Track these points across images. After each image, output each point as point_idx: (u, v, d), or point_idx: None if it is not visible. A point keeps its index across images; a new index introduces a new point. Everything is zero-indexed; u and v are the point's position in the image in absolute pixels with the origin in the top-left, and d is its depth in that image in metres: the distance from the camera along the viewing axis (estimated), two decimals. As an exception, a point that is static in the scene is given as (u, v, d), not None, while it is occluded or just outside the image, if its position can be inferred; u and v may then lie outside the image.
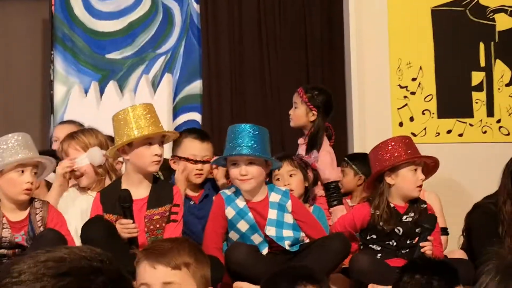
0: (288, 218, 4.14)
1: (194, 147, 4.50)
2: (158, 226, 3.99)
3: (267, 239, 4.12)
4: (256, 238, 4.12)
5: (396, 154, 4.30)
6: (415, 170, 4.30)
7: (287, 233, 4.12)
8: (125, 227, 3.88)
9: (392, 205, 4.31)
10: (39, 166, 3.96)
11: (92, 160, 4.24)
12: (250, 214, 4.11)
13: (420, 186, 4.32)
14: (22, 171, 3.83)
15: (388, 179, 4.31)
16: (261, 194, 4.15)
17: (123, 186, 4.00)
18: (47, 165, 4.01)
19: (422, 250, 4.18)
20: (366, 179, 4.95)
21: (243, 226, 4.12)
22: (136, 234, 3.88)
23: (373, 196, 4.36)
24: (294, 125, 5.03)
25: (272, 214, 4.13)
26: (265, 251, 4.13)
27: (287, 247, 4.11)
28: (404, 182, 4.30)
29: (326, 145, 4.89)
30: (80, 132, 4.35)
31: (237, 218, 4.11)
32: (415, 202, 4.35)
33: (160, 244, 2.40)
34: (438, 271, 2.60)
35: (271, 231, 4.11)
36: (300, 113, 4.92)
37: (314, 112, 4.91)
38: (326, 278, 2.55)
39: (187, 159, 4.48)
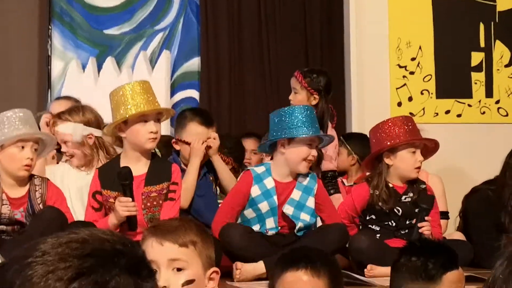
0: (310, 203, 4.13)
1: (199, 133, 4.48)
2: (155, 203, 4.00)
3: (279, 227, 4.12)
4: (270, 223, 4.12)
5: (395, 135, 4.29)
6: (414, 152, 4.30)
7: (304, 216, 4.12)
8: (124, 205, 3.87)
9: (391, 185, 4.31)
10: (39, 143, 3.95)
11: (73, 135, 4.28)
12: (274, 197, 4.10)
13: (419, 167, 4.31)
14: (23, 147, 3.83)
15: (387, 160, 4.31)
16: (292, 175, 4.16)
17: (122, 163, 4.00)
18: (47, 142, 4.00)
19: (420, 230, 4.18)
20: (359, 159, 4.96)
21: (264, 207, 4.11)
22: (135, 212, 3.88)
23: (371, 176, 4.37)
24: None
25: (296, 195, 4.13)
26: (273, 232, 4.13)
27: (297, 227, 4.11)
28: (402, 163, 4.30)
29: (330, 130, 4.86)
30: (67, 111, 4.38)
31: (261, 198, 4.11)
32: (414, 183, 4.35)
33: (168, 222, 2.41)
34: (435, 254, 2.59)
35: (289, 210, 4.11)
36: (301, 98, 4.83)
37: (315, 96, 4.85)
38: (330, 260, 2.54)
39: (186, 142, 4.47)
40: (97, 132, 4.32)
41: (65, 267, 1.20)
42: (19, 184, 3.92)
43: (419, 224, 4.20)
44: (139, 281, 1.24)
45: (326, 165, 4.79)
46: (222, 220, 4.08)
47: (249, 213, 4.13)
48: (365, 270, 4.11)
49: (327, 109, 4.86)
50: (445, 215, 4.86)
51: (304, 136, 4.02)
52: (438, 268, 2.55)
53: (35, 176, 4.00)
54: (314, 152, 4.08)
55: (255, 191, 4.11)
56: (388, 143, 4.28)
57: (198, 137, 4.45)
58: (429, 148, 4.43)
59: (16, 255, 1.24)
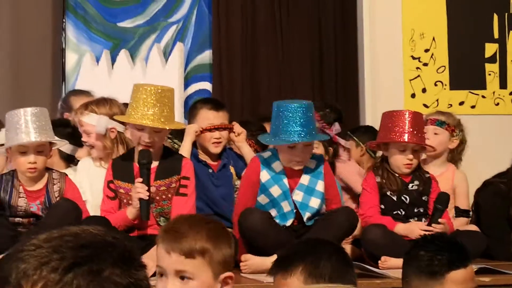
0: (320, 186, 4.14)
1: (209, 118, 4.50)
2: (164, 197, 4.01)
3: (295, 209, 4.12)
4: (286, 206, 4.12)
5: (386, 131, 4.31)
6: (403, 150, 4.29)
7: (315, 201, 4.12)
8: (136, 190, 3.88)
9: (396, 174, 4.32)
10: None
11: (97, 126, 4.30)
12: (285, 180, 4.11)
13: (408, 164, 4.30)
14: (25, 152, 3.87)
15: (383, 151, 4.36)
16: None
17: (135, 158, 4.02)
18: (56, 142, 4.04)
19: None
20: (367, 149, 5.01)
21: (275, 191, 4.12)
22: (144, 196, 3.87)
23: (376, 166, 4.39)
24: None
25: (305, 179, 4.14)
26: (290, 222, 4.13)
27: (305, 218, 4.11)
28: (392, 158, 4.35)
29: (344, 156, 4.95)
30: (94, 103, 4.39)
31: (271, 182, 4.11)
32: (416, 171, 4.36)
33: (178, 226, 2.31)
34: (444, 251, 2.56)
35: (298, 195, 4.11)
36: None
37: (327, 128, 4.94)
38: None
39: (204, 129, 4.48)
40: (120, 127, 4.33)
41: (59, 258, 1.21)
42: (35, 179, 3.96)
43: (434, 226, 4.19)
44: (132, 271, 1.25)
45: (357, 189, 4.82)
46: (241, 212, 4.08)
47: (262, 199, 4.14)
48: (379, 261, 4.12)
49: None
50: (466, 213, 4.85)
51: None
52: (443, 265, 2.52)
53: (53, 170, 4.05)
54: (298, 158, 4.07)
55: (264, 176, 4.12)
56: (379, 137, 4.36)
57: (209, 123, 4.46)
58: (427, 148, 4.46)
59: (10, 251, 1.25)
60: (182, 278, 2.24)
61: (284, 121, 4.02)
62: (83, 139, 4.40)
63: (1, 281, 1.23)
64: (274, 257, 3.90)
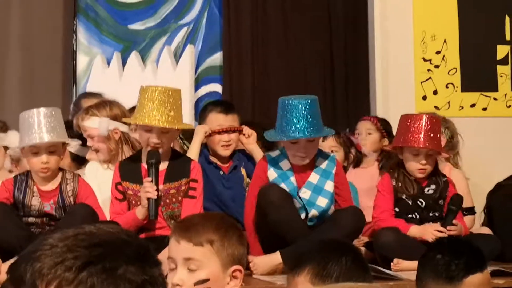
0: (329, 186, 4.12)
1: (219, 120, 4.50)
2: (174, 200, 4.02)
3: (305, 206, 4.11)
4: (295, 203, 4.11)
5: (401, 135, 4.29)
6: (416, 155, 4.26)
7: (322, 201, 4.10)
8: (147, 185, 3.88)
9: (412, 178, 4.30)
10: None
11: (100, 129, 4.30)
12: (292, 178, 4.10)
13: (421, 169, 4.27)
14: (37, 152, 3.88)
15: (399, 154, 4.33)
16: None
17: (143, 159, 4.03)
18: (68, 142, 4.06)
19: (448, 234, 4.15)
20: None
21: None
22: (152, 195, 3.86)
23: (393, 169, 4.37)
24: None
25: (314, 178, 4.12)
26: (302, 216, 4.12)
27: (310, 216, 4.10)
28: (406, 162, 4.31)
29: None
30: (94, 106, 4.40)
31: (278, 180, 4.10)
32: (433, 175, 4.33)
33: (189, 218, 2.40)
34: (461, 255, 2.55)
35: (306, 193, 4.10)
36: (374, 140, 5.09)
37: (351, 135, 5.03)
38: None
39: (213, 131, 4.48)
40: (123, 127, 4.34)
41: (73, 257, 1.21)
42: (49, 179, 3.98)
43: (448, 228, 4.17)
44: (147, 268, 1.25)
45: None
46: (251, 211, 4.08)
47: None
48: (392, 264, 4.10)
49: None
50: (471, 210, 4.84)
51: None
52: (461, 270, 2.51)
53: (66, 170, 4.07)
54: (301, 153, 4.05)
55: (271, 174, 4.12)
56: (394, 141, 4.34)
57: (219, 125, 4.46)
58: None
59: (25, 251, 1.25)
60: (190, 268, 2.25)
61: (287, 116, 4.01)
62: (88, 143, 4.40)
63: (16, 281, 1.23)
64: (277, 254, 3.95)
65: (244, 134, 4.54)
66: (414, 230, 4.22)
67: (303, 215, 4.10)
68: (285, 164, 4.13)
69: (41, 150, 3.89)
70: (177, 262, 2.26)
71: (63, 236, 1.25)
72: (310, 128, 3.99)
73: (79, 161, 4.59)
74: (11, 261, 3.49)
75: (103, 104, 4.42)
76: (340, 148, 4.65)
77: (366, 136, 5.08)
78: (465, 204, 4.69)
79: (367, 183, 4.77)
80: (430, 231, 4.14)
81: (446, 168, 4.82)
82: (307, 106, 4.00)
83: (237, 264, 2.29)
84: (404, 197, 4.28)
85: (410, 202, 4.29)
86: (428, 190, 4.31)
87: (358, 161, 4.90)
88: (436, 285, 2.53)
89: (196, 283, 2.24)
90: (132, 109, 4.34)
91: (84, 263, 1.20)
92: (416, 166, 4.27)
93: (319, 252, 2.28)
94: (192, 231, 2.26)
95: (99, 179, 4.31)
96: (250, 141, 4.55)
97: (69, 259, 1.21)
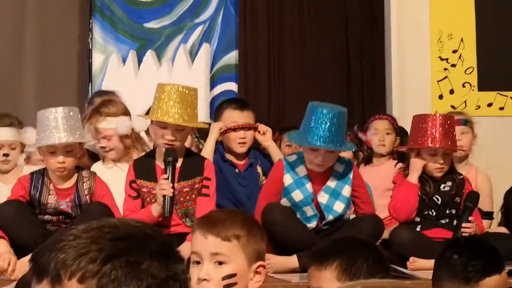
0: (346, 191, 4.11)
1: (234, 117, 4.50)
2: (188, 198, 4.02)
3: (318, 213, 4.10)
4: (308, 210, 4.10)
5: (415, 135, 4.26)
6: (434, 154, 4.24)
7: (339, 205, 4.09)
8: (163, 183, 3.88)
9: (428, 176, 4.28)
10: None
11: (119, 128, 4.29)
12: (308, 185, 4.09)
13: (439, 169, 4.25)
14: (54, 152, 3.88)
15: (414, 155, 4.30)
16: None
17: (157, 157, 4.03)
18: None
19: (463, 231, 4.12)
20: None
21: (297, 195, 4.10)
22: (168, 193, 3.86)
23: (407, 168, 4.36)
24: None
25: (332, 182, 4.11)
26: (313, 224, 4.10)
27: (326, 219, 4.08)
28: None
29: None
30: (104, 106, 4.40)
31: (293, 186, 4.09)
32: (450, 173, 4.31)
33: (214, 214, 2.41)
34: (478, 256, 2.52)
35: (323, 197, 4.09)
36: (392, 139, 5.09)
37: (361, 132, 5.01)
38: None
39: (228, 128, 4.48)
40: (139, 125, 4.34)
41: (97, 249, 1.20)
42: (65, 178, 3.98)
43: (464, 225, 4.15)
44: (170, 264, 1.24)
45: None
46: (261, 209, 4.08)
47: (284, 202, 4.12)
48: (408, 262, 4.08)
49: None
50: (489, 215, 4.80)
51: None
52: (477, 271, 2.49)
53: (83, 169, 4.07)
54: (319, 161, 4.03)
55: (287, 179, 4.10)
56: (409, 142, 4.31)
57: (234, 122, 4.47)
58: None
59: (49, 241, 1.25)
60: (217, 262, 2.26)
61: (312, 122, 4.00)
62: (101, 145, 4.38)
63: (39, 270, 1.22)
64: (294, 258, 3.93)
65: (259, 132, 4.53)
66: (412, 178, 4.21)
67: (314, 223, 4.09)
68: (301, 170, 4.11)
69: (58, 150, 3.89)
70: (203, 256, 2.27)
71: (88, 227, 1.24)
72: (332, 139, 3.97)
73: (95, 158, 4.58)
74: (26, 258, 3.50)
75: (111, 103, 4.42)
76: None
77: (384, 136, 5.05)
78: (485, 208, 4.67)
79: (377, 182, 4.75)
80: (417, 163, 4.15)
81: (472, 169, 4.80)
82: (335, 117, 3.99)
83: (260, 260, 2.31)
84: (420, 193, 4.26)
85: (426, 199, 4.27)
86: (444, 187, 4.29)
87: (369, 159, 4.86)
88: (452, 285, 2.52)
89: (223, 278, 2.25)
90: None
91: (108, 256, 1.20)
92: (434, 166, 4.25)
93: (348, 249, 2.30)
94: (219, 226, 2.27)
95: (106, 179, 4.31)
96: (266, 138, 4.54)
97: (93, 251, 1.20)
